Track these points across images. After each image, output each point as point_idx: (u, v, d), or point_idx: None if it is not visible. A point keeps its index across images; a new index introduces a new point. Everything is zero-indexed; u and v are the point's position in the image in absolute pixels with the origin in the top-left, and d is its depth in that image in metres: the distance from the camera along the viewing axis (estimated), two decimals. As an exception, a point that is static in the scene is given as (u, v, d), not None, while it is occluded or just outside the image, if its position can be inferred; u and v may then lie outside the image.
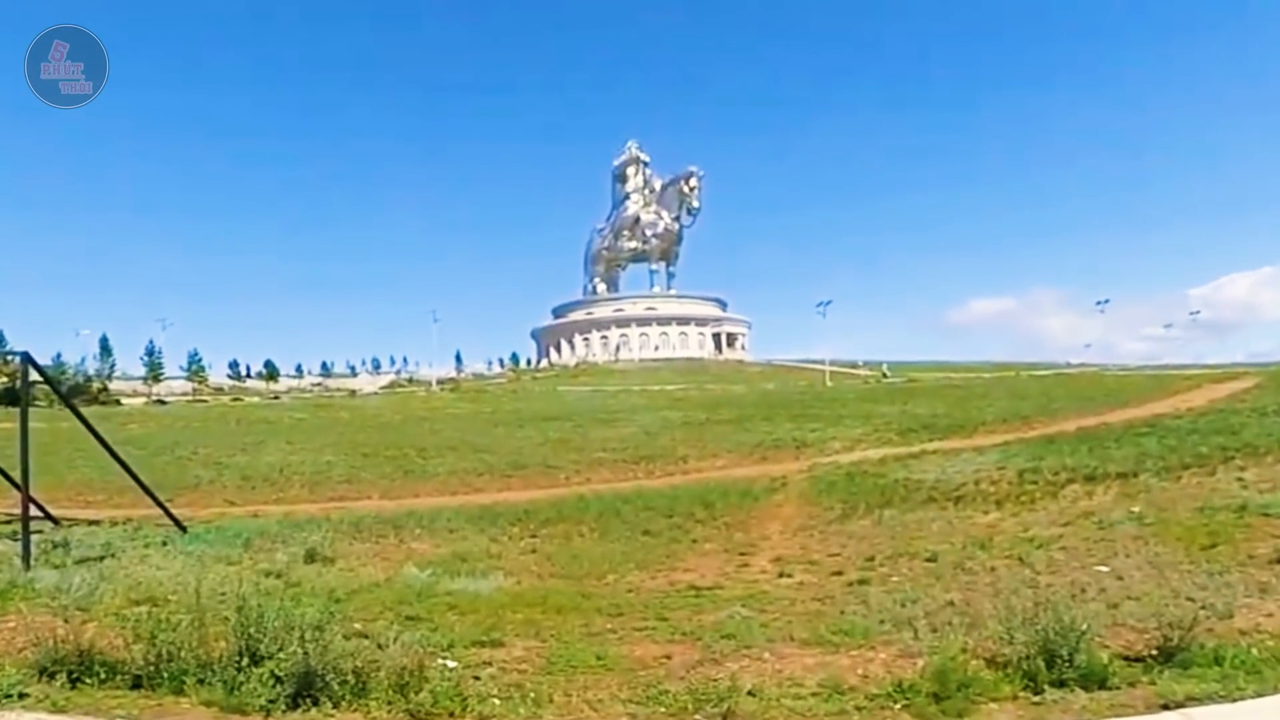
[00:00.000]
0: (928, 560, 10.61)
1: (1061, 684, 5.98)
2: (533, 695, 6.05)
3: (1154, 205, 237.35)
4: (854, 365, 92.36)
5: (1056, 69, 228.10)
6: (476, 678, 6.50)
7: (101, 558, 10.96)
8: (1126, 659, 6.60)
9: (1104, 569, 9.74)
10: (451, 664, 6.80)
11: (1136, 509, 13.28)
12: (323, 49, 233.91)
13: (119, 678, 6.40)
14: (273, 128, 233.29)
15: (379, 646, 7.05)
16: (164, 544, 12.06)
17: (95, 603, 8.67)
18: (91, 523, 13.98)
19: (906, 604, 8.40)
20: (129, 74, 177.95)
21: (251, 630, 6.61)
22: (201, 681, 6.30)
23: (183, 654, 6.51)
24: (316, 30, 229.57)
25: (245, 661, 6.38)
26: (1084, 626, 6.43)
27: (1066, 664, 6.19)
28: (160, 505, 12.74)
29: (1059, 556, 10.44)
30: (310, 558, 11.38)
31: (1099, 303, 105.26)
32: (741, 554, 11.83)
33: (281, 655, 6.27)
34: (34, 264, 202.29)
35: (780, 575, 10.15)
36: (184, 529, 12.87)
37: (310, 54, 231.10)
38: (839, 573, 10.14)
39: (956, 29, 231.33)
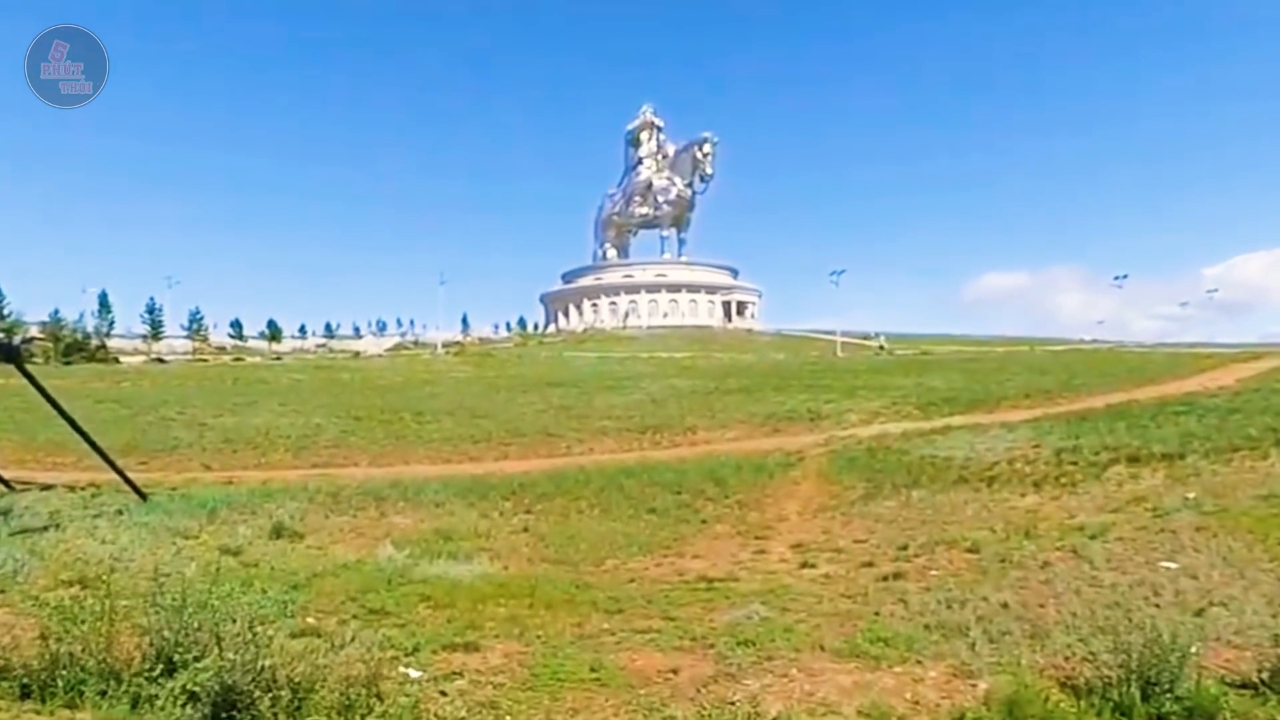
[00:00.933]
0: (969, 551, 9.39)
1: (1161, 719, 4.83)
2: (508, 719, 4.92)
3: (1168, 183, 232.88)
4: (866, 336, 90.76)
5: (1071, 47, 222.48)
6: (442, 692, 5.38)
7: (45, 528, 9.87)
8: (1232, 685, 5.43)
9: (1171, 565, 8.54)
10: (415, 673, 5.66)
11: (1191, 495, 12.07)
12: (329, 12, 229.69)
13: (5, 683, 5.29)
14: (281, 87, 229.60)
15: (330, 648, 5.93)
16: (119, 513, 10.97)
17: (16, 584, 7.55)
18: (45, 488, 12.88)
19: (953, 605, 7.22)
20: (135, 31, 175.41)
21: (166, 631, 5.46)
22: (104, 694, 5.20)
23: (85, 658, 5.38)
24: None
25: (159, 671, 5.25)
26: (1191, 647, 5.27)
27: (1166, 693, 5.02)
28: (118, 471, 11.62)
29: (1116, 549, 9.20)
30: (277, 533, 10.28)
31: (1117, 278, 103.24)
32: (757, 538, 10.65)
33: (200, 665, 5.11)
34: (39, 221, 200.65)
35: (802, 565, 8.94)
36: (144, 497, 11.77)
37: (322, 9, 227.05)
38: (869, 563, 8.94)
39: (974, 6, 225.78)
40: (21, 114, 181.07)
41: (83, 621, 5.60)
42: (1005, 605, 7.23)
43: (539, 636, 6.44)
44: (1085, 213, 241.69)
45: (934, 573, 8.60)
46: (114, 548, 9.05)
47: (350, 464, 18.12)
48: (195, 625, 5.52)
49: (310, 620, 6.74)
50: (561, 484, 13.94)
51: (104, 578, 7.41)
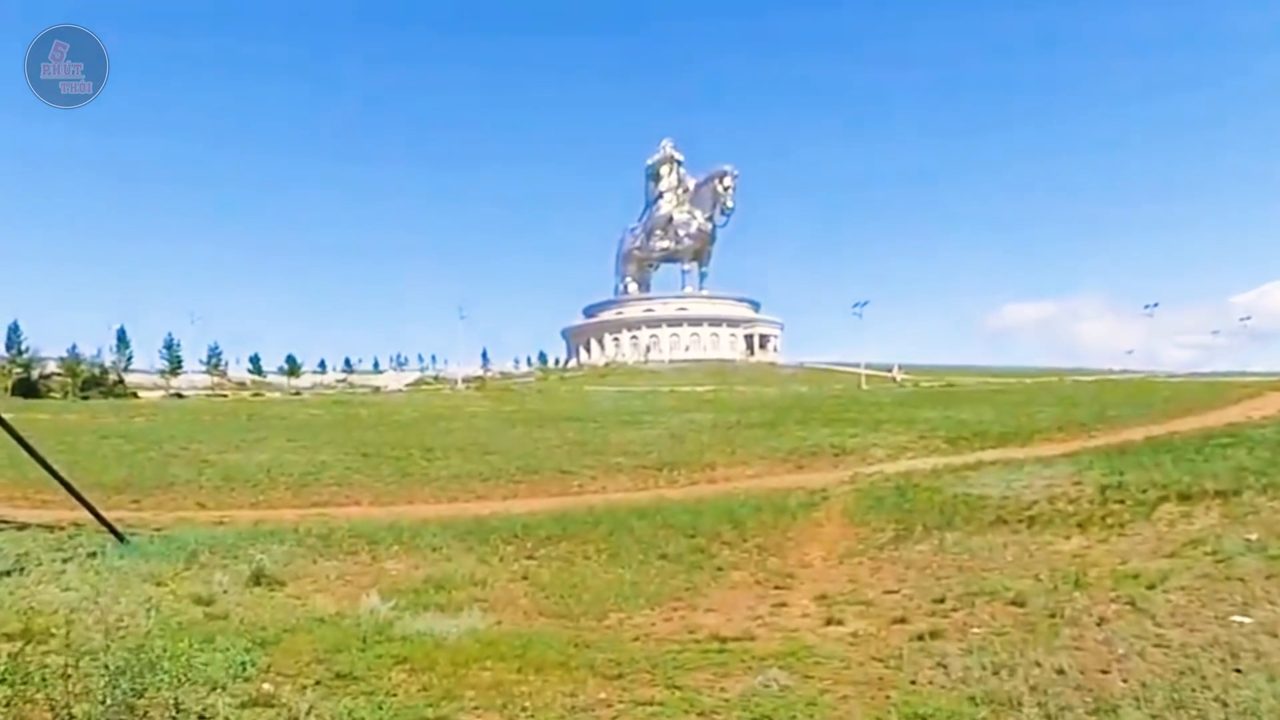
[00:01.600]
0: (1013, 603, 8.42)
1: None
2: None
3: (1192, 210, 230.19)
4: (889, 369, 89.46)
5: (1093, 74, 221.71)
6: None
7: (7, 573, 9.14)
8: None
9: (1245, 620, 7.54)
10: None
11: (1254, 536, 11.00)
12: (352, 42, 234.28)
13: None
14: (301, 123, 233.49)
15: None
16: (92, 556, 10.25)
17: (-46, 638, 6.80)
18: (21, 527, 12.22)
19: (1001, 672, 6.29)
20: (154, 62, 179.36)
21: (87, 704, 4.70)
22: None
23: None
24: (346, 24, 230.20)
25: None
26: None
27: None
28: (92, 511, 10.94)
29: (1180, 601, 8.19)
30: (256, 579, 9.50)
31: (1147, 306, 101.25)
32: (777, 587, 9.72)
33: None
34: (62, 257, 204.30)
35: (827, 621, 8.01)
36: (122, 539, 11.07)
37: (339, 46, 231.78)
38: (902, 619, 8.00)
39: (995, 33, 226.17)
40: (45, 156, 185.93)
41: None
42: (1061, 671, 6.30)
43: (525, 709, 5.60)
44: (1107, 241, 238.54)
45: (976, 630, 7.67)
46: (76, 595, 8.32)
47: (352, 503, 17.39)
48: (128, 691, 4.79)
49: (267, 686, 5.93)
50: (568, 526, 13.05)
51: (54, 630, 6.73)
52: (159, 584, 9.23)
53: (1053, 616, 7.86)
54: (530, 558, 11.29)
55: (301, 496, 18.14)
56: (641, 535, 12.45)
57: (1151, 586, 8.73)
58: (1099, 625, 7.57)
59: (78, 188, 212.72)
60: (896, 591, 9.42)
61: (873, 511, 14.20)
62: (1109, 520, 12.75)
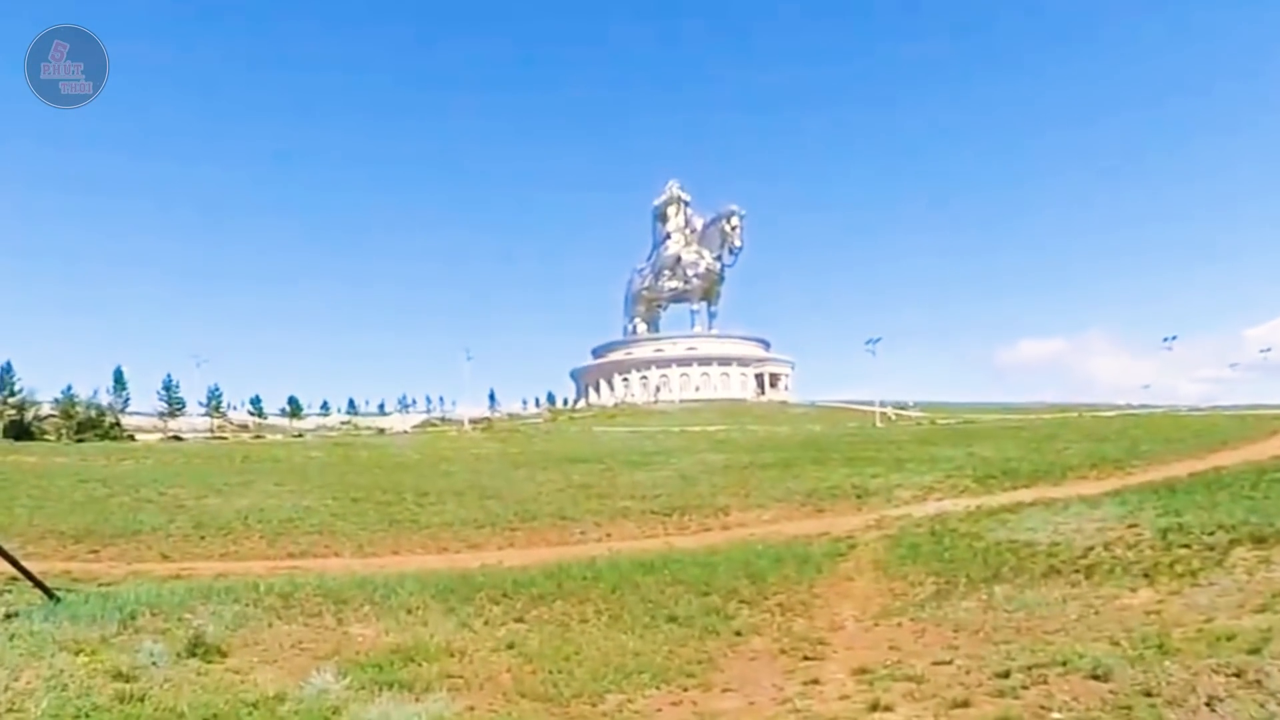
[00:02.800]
0: (1094, 677, 6.93)
1: None
2: None
3: (1206, 245, 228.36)
4: (903, 406, 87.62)
5: (1105, 107, 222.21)
6: None
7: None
8: None
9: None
10: None
11: (1351, 585, 9.55)
12: (362, 83, 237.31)
13: None
14: (307, 162, 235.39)
15: None
16: (10, 618, 8.88)
17: None
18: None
19: (1106, 783, 4.85)
20: (156, 98, 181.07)
21: None
22: None
23: None
24: (356, 65, 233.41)
25: None
26: None
27: None
28: (15, 565, 9.54)
29: (1294, 669, 6.71)
30: (193, 649, 8.08)
31: (1166, 339, 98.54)
32: (806, 658, 8.25)
33: None
34: (62, 298, 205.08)
35: (872, 707, 6.47)
36: (53, 597, 9.68)
37: (347, 87, 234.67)
38: (964, 703, 6.50)
39: (1000, 70, 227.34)
40: (47, 203, 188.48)
41: None
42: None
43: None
44: (1115, 277, 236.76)
45: (1057, 716, 6.21)
46: (-24, 668, 6.95)
47: (331, 553, 15.92)
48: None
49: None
50: (564, 582, 11.49)
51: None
52: (78, 653, 7.83)
53: (1148, 695, 6.39)
54: (519, 620, 9.78)
55: (276, 546, 16.68)
56: (648, 593, 10.94)
57: (1254, 651, 7.24)
58: (1209, 706, 6.11)
59: (73, 230, 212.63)
60: (949, 663, 7.94)
61: (908, 561, 12.70)
62: (1177, 568, 11.28)
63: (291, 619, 9.52)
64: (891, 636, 9.09)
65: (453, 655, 8.27)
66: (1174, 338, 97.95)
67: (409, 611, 9.86)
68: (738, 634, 9.28)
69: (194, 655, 8.02)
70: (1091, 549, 12.65)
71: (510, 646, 8.60)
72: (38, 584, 9.63)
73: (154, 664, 7.73)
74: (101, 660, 7.70)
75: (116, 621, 9.00)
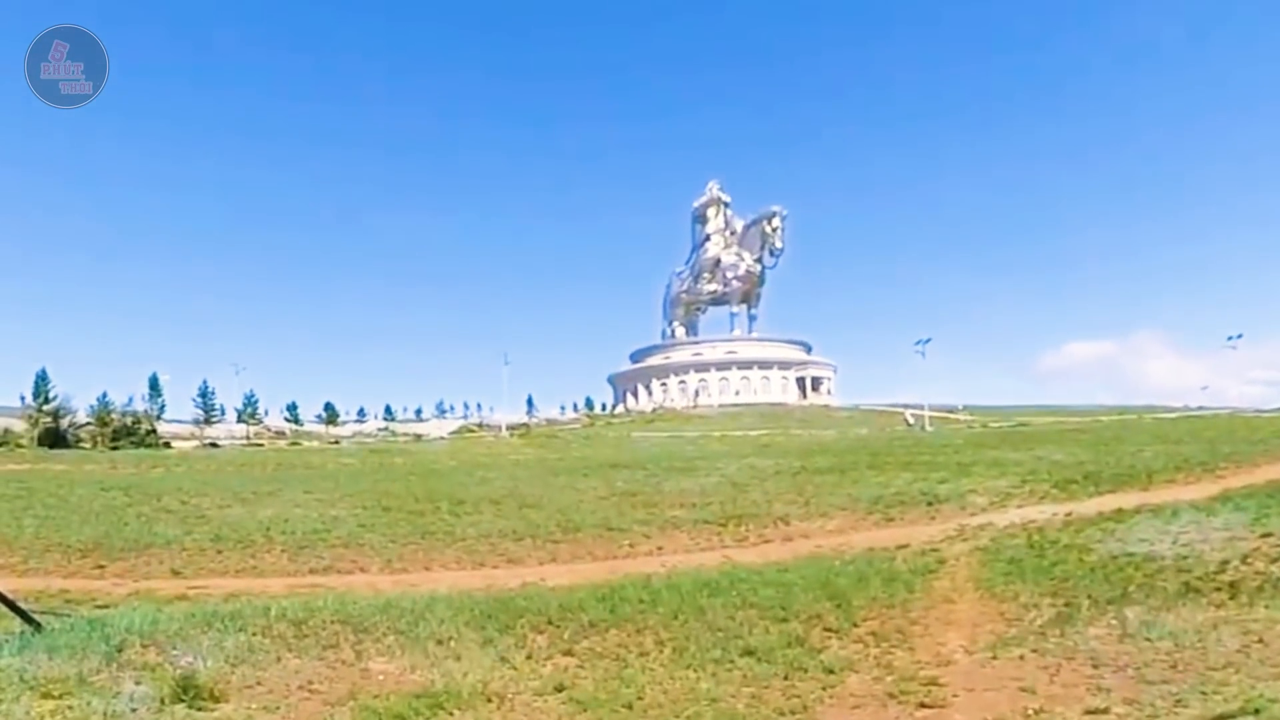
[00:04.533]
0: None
1: None
2: None
3: (1254, 247, 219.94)
4: (952, 410, 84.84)
5: (1152, 116, 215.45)
6: None
7: None
8: None
9: None
10: None
11: None
12: (400, 87, 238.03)
13: None
14: (347, 171, 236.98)
15: None
16: (-18, 651, 7.60)
17: None
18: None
19: None
20: (189, 111, 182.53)
21: None
22: None
23: None
24: (393, 69, 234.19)
25: None
26: None
27: None
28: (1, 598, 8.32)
29: None
30: (181, 692, 6.75)
31: (1230, 338, 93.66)
32: (923, 705, 6.68)
33: None
34: (102, 304, 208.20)
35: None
36: (34, 625, 8.44)
37: (382, 93, 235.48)
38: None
39: (1051, 80, 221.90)
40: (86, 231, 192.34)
41: None
42: None
43: None
44: (1163, 278, 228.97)
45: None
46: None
47: (357, 569, 14.61)
48: None
49: None
50: (618, 606, 9.93)
51: None
52: (46, 696, 6.55)
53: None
54: (568, 654, 8.31)
55: (298, 560, 15.46)
56: (715, 619, 9.35)
57: None
58: None
59: (108, 236, 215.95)
60: (1105, 711, 6.34)
61: (1012, 579, 10.99)
62: (1340, 588, 9.52)
63: (303, 651, 8.15)
64: (1017, 674, 7.48)
65: (490, 700, 6.83)
66: (1239, 336, 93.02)
67: (439, 643, 8.42)
68: (829, 671, 7.71)
69: (181, 700, 6.68)
70: (1228, 563, 10.87)
71: (559, 689, 7.12)
72: (18, 612, 8.39)
73: (132, 711, 6.43)
74: (71, 707, 6.40)
75: (101, 655, 7.69)
